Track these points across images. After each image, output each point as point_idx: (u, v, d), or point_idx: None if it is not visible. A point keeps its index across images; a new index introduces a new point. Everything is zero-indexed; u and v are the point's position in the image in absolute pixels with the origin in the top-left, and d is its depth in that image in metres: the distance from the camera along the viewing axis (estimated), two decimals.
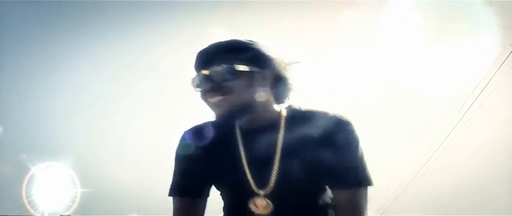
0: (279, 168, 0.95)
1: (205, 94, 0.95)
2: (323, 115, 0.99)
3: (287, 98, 1.03)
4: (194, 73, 1.01)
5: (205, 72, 0.94)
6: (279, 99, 1.02)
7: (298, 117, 1.01)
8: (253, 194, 0.95)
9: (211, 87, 0.93)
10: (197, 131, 1.08)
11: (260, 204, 0.95)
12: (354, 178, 0.93)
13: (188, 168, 1.05)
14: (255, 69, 0.95)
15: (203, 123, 1.09)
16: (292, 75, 1.02)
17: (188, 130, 1.09)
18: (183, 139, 1.09)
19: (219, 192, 1.08)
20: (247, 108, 0.95)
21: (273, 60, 0.98)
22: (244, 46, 0.98)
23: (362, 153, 0.96)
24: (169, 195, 1.05)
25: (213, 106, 0.95)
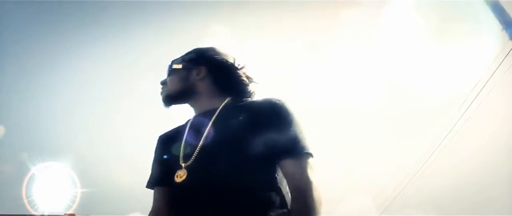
0: (202, 146, 1.07)
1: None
2: (256, 100, 1.16)
3: (244, 93, 1.19)
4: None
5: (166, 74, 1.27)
6: (225, 92, 1.18)
7: (234, 105, 1.15)
8: (178, 167, 1.08)
9: (161, 82, 1.26)
10: (166, 132, 1.28)
11: (179, 174, 1.07)
12: (295, 148, 1.01)
13: (153, 162, 1.24)
14: (187, 66, 1.22)
15: (175, 126, 1.27)
16: (240, 73, 1.20)
17: (161, 134, 1.28)
18: (157, 141, 1.27)
19: None
20: (181, 95, 1.21)
21: (213, 60, 1.20)
22: (190, 51, 1.26)
23: (299, 127, 1.04)
24: (146, 187, 1.21)
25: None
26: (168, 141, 1.21)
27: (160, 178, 1.17)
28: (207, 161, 1.05)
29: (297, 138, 1.02)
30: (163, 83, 1.25)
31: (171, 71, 1.24)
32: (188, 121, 1.22)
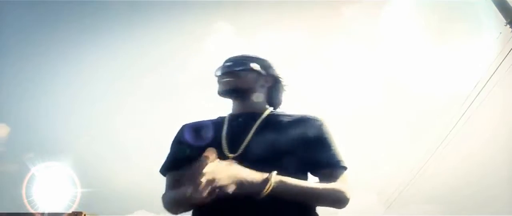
0: (250, 141, 1.17)
1: (221, 76, 1.30)
2: (300, 115, 1.27)
3: (278, 106, 1.37)
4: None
5: (227, 63, 1.32)
6: (271, 102, 1.36)
7: (277, 115, 1.29)
8: (225, 158, 1.09)
9: (225, 72, 1.29)
10: (193, 122, 1.32)
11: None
12: (334, 161, 1.16)
13: (178, 147, 1.27)
14: (260, 71, 1.31)
15: (203, 120, 1.32)
16: (285, 89, 1.37)
17: (186, 123, 1.32)
18: (180, 129, 1.31)
19: None
20: (244, 93, 1.29)
21: (275, 72, 1.35)
22: (258, 56, 1.35)
23: (335, 143, 1.20)
24: (160, 171, 1.25)
25: (221, 84, 1.29)
26: (201, 130, 1.26)
27: (180, 163, 1.18)
28: (254, 157, 1.12)
29: (335, 152, 1.18)
30: (229, 73, 1.29)
31: (247, 69, 1.30)
32: (222, 117, 1.30)
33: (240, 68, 1.29)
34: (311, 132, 1.19)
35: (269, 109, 1.32)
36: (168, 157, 1.27)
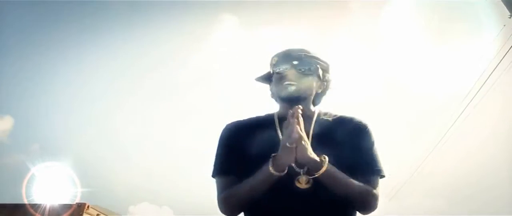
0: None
1: (284, 76, 1.22)
2: (348, 118, 1.27)
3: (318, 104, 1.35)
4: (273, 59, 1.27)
5: (294, 62, 1.22)
6: (316, 102, 1.33)
7: (327, 117, 1.26)
8: (294, 173, 1.12)
9: (292, 73, 1.21)
10: (239, 122, 1.29)
11: (303, 180, 1.11)
12: (371, 169, 1.19)
13: (231, 150, 1.23)
14: (321, 75, 1.27)
15: (245, 118, 1.31)
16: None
17: (231, 122, 1.29)
18: (226, 128, 1.28)
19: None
20: (304, 99, 1.24)
21: (330, 77, 1.31)
22: (320, 56, 1.27)
23: (376, 151, 1.22)
24: (213, 175, 1.22)
25: (283, 86, 1.22)
26: (254, 134, 1.22)
27: (236, 167, 1.19)
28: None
29: (377, 158, 1.22)
30: (293, 75, 1.22)
31: (312, 72, 1.24)
32: (271, 116, 1.27)
33: (306, 68, 1.23)
34: (357, 137, 1.21)
35: (317, 111, 1.30)
36: (220, 160, 1.24)
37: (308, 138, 1.13)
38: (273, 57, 1.30)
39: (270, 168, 1.04)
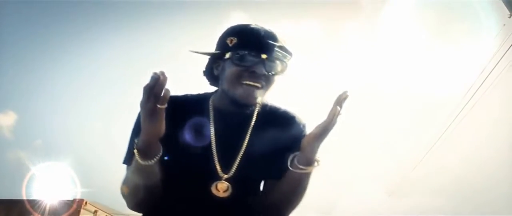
0: (244, 155, 0.97)
1: (246, 75, 0.95)
2: (287, 115, 1.06)
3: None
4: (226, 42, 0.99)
5: (264, 56, 0.94)
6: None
7: (268, 112, 1.06)
8: (216, 178, 0.95)
9: (261, 70, 0.94)
10: (183, 99, 1.05)
11: (221, 187, 0.94)
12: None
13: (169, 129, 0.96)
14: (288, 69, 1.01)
15: (181, 95, 1.06)
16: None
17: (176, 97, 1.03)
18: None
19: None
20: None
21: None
22: (288, 47, 1.00)
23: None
24: (124, 162, 0.99)
25: (244, 88, 0.96)
26: (177, 121, 0.97)
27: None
28: (248, 173, 0.97)
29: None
30: (263, 77, 0.97)
31: (280, 70, 0.99)
32: (205, 100, 1.04)
33: (276, 72, 0.99)
34: (299, 133, 1.04)
35: (261, 105, 1.08)
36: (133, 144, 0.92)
37: (245, 138, 0.98)
38: (229, 34, 1.00)
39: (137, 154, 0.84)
